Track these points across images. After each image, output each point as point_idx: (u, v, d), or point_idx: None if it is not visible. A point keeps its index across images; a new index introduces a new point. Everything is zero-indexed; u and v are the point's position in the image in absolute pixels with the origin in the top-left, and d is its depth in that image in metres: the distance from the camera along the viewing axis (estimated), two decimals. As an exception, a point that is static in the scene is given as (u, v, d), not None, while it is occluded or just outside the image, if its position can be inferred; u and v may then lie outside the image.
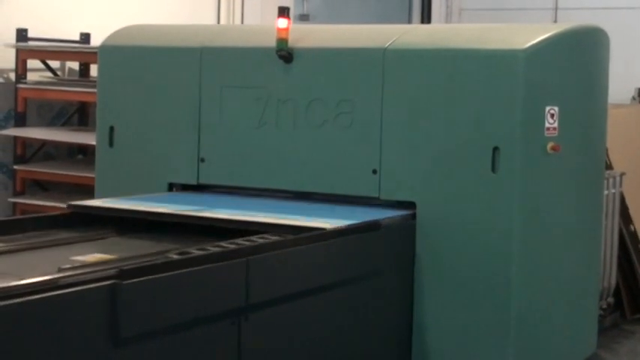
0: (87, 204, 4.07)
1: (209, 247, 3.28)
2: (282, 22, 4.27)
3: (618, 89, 5.80)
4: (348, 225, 3.76)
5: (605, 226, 5.03)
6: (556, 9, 9.26)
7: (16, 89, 6.21)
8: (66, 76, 6.62)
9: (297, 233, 3.56)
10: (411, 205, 4.09)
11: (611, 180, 5.45)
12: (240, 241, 3.42)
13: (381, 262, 3.90)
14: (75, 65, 6.63)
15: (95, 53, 4.89)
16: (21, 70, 6.23)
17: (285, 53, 4.30)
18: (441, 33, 4.34)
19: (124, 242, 3.69)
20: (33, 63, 6.36)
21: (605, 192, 5.02)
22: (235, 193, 4.48)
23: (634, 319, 5.62)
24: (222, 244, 3.34)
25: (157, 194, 4.44)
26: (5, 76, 6.31)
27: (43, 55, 6.38)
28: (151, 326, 2.85)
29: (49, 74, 6.47)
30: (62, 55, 6.43)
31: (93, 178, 4.83)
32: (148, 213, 3.91)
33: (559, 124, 4.05)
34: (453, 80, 4.04)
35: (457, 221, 4.01)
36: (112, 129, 4.70)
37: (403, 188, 4.12)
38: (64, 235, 3.74)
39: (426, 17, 10.05)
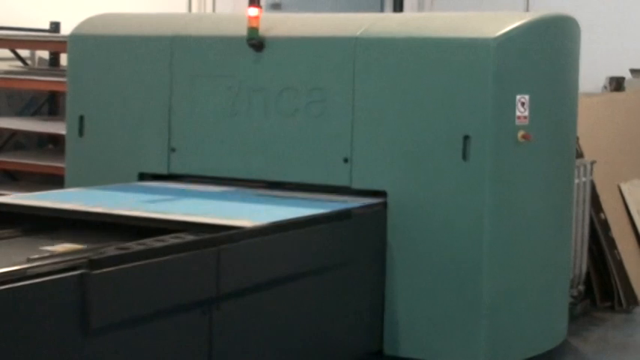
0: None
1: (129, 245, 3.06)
2: (253, 11, 4.26)
3: (589, 78, 5.83)
4: (318, 214, 3.76)
5: (575, 214, 5.05)
6: (528, -2, 9.28)
7: (-15, 79, 6.16)
8: (36, 66, 6.57)
9: (214, 232, 3.34)
10: (382, 193, 4.10)
11: (581, 168, 5.47)
12: (149, 241, 3.16)
13: (353, 251, 3.91)
14: (45, 54, 6.59)
15: (65, 42, 4.86)
16: (-10, 60, 6.18)
17: (256, 42, 4.29)
18: (413, 21, 4.35)
19: (28, 242, 3.43)
20: (2, 52, 6.31)
21: (576, 180, 5.04)
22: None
23: (604, 307, 5.66)
24: (129, 244, 3.09)
25: (85, 189, 4.29)
26: (-26, 65, 6.26)
27: (12, 44, 6.32)
28: (121, 316, 2.84)
29: (19, 63, 6.42)
30: (32, 44, 6.38)
31: (63, 168, 4.81)
32: (56, 211, 3.67)
33: (530, 112, 4.06)
34: (424, 69, 4.05)
35: (428, 209, 4.02)
36: (82, 118, 4.68)
37: (374, 177, 4.12)
38: None
39: (398, 6, 10.04)
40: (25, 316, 2.56)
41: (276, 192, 4.29)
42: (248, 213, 3.73)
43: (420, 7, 9.86)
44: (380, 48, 4.13)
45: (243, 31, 4.30)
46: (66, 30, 6.10)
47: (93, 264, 2.75)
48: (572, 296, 5.29)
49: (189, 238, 3.24)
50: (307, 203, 3.98)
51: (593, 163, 5.61)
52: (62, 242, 3.36)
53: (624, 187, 6.17)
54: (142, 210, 3.66)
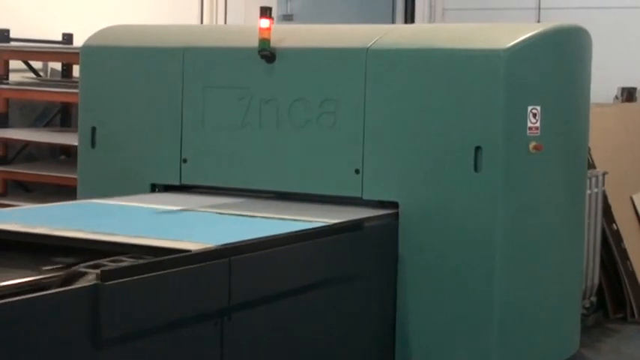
0: None
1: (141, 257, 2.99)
2: (265, 22, 4.26)
3: (601, 88, 5.82)
4: (331, 225, 3.76)
5: (587, 225, 5.04)
6: (539, 8, 9.29)
7: (-2, 90, 6.19)
8: (48, 77, 6.60)
9: (156, 255, 3.09)
10: (393, 204, 4.09)
11: (593, 179, 5.47)
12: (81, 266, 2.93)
13: (364, 262, 3.90)
14: (57, 66, 6.61)
15: (78, 54, 4.87)
16: (3, 71, 6.19)
17: (267, 53, 4.29)
18: (424, 33, 4.35)
19: None
20: (15, 64, 6.33)
21: (588, 191, 5.04)
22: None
23: (617, 318, 5.64)
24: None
25: (32, 206, 4.18)
26: (-13, 76, 6.28)
27: (25, 55, 6.35)
28: (132, 327, 2.84)
29: (32, 75, 6.44)
30: (44, 55, 6.40)
31: (75, 179, 4.82)
32: None
33: (541, 123, 4.05)
34: (435, 80, 4.04)
35: (440, 221, 4.01)
36: (94, 130, 4.69)
37: (386, 188, 4.12)
38: None
39: (409, 17, 10.06)
40: (36, 327, 2.56)
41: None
42: (202, 234, 3.48)
43: (431, 18, 9.87)
44: (391, 59, 4.13)
45: (254, 43, 4.30)
46: (78, 42, 6.12)
47: (105, 275, 2.75)
48: (585, 307, 5.28)
49: (128, 261, 3.02)
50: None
51: (605, 173, 5.60)
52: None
53: (636, 198, 6.15)
54: (82, 230, 3.38)
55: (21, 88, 6.20)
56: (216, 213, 3.97)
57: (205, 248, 3.17)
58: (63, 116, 6.60)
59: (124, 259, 3.07)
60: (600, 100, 6.75)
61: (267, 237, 3.48)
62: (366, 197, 4.16)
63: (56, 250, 3.27)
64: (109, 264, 2.96)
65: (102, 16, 6.41)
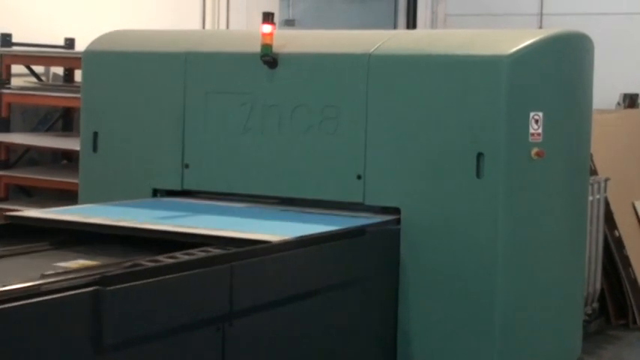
0: (25, 215, 3.91)
1: (143, 262, 3.12)
2: (267, 28, 4.26)
3: (603, 95, 5.82)
4: (333, 230, 3.76)
5: (589, 231, 5.04)
6: (541, 14, 9.30)
7: (0, 94, 6.19)
8: (50, 82, 6.60)
9: (239, 246, 3.38)
10: (395, 210, 4.09)
11: (595, 185, 5.47)
12: (178, 254, 3.24)
13: (366, 268, 3.90)
14: (59, 70, 6.62)
15: (80, 58, 4.87)
16: (5, 75, 6.21)
17: (269, 59, 4.29)
18: (426, 39, 4.35)
19: (57, 255, 3.48)
20: (17, 68, 6.34)
21: (590, 197, 5.04)
22: (219, 199, 4.47)
23: (618, 325, 5.64)
24: (159, 257, 3.20)
25: (109, 204, 4.32)
26: (-11, 81, 6.29)
27: (27, 60, 6.36)
28: (133, 333, 2.84)
29: (34, 79, 6.45)
30: (46, 60, 6.42)
31: (77, 184, 4.82)
32: (84, 225, 3.74)
33: (543, 129, 4.05)
34: (437, 86, 4.04)
35: (442, 227, 4.01)
36: (95, 134, 4.68)
37: (388, 194, 4.11)
38: None
39: (411, 23, 10.07)
40: (38, 332, 2.56)
41: (289, 208, 4.28)
42: (271, 228, 3.75)
43: (433, 24, 9.88)
44: (393, 65, 4.13)
45: (256, 48, 4.30)
46: (80, 46, 6.14)
47: (106, 281, 2.75)
48: (587, 314, 5.28)
49: (215, 251, 3.30)
50: (321, 220, 3.96)
51: (607, 180, 5.60)
52: (91, 255, 3.43)
53: (638, 205, 6.15)
54: (168, 224, 3.72)
55: (23, 92, 6.21)
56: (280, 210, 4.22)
57: (284, 240, 3.50)
58: (65, 121, 6.61)
59: (210, 249, 3.32)
60: (602, 106, 6.75)
61: (268, 243, 3.49)
62: (368, 203, 4.16)
63: (141, 243, 3.58)
64: (181, 256, 3.16)
65: (104, 20, 6.42)
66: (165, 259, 3.15)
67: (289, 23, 9.99)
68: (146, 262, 3.12)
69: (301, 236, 3.63)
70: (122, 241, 3.68)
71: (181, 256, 3.18)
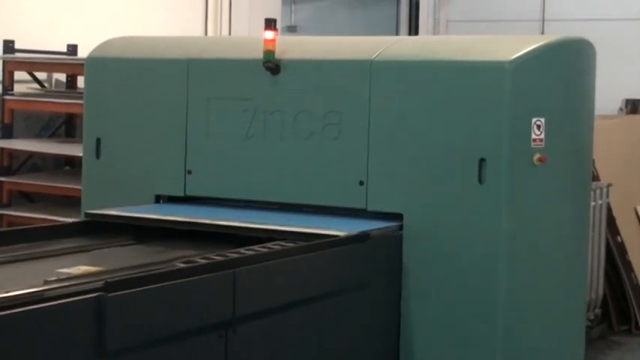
0: (105, 212, 4.19)
1: (228, 253, 3.39)
2: (269, 34, 4.27)
3: (605, 100, 5.83)
4: (336, 236, 3.76)
5: (592, 237, 5.04)
6: (543, 20, 9.31)
7: (3, 101, 6.21)
8: (53, 88, 6.61)
9: (310, 240, 3.69)
10: (398, 216, 4.09)
11: (598, 191, 5.47)
12: (257, 247, 3.55)
13: (369, 274, 3.90)
14: (62, 77, 6.63)
15: (82, 65, 4.88)
16: (8, 82, 6.22)
17: (272, 65, 4.30)
18: (428, 45, 4.35)
19: (142, 249, 3.83)
20: (20, 74, 6.35)
21: (592, 203, 5.04)
22: (221, 204, 4.47)
23: (621, 331, 5.63)
24: (241, 250, 3.52)
25: (165, 204, 4.51)
26: (-8, 87, 6.30)
27: (30, 66, 6.37)
28: (137, 339, 2.84)
29: (36, 86, 6.46)
30: (49, 66, 6.43)
31: (80, 190, 4.82)
32: (164, 221, 4.05)
33: (546, 135, 4.05)
34: (439, 92, 4.05)
35: (444, 233, 4.01)
36: (98, 141, 4.69)
37: (390, 200, 4.12)
38: (83, 242, 3.86)
39: (413, 29, 10.09)
40: (41, 338, 2.56)
41: (292, 214, 4.29)
42: (330, 224, 3.95)
43: (435, 30, 9.89)
44: (395, 71, 4.13)
45: (259, 54, 4.31)
46: (83, 53, 6.15)
47: (109, 287, 2.75)
48: (589, 320, 5.28)
49: (285, 245, 3.60)
50: (322, 226, 3.95)
51: (609, 185, 5.60)
52: (177, 249, 3.74)
53: (641, 210, 6.15)
54: (242, 221, 3.98)
55: (26, 99, 6.23)
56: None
57: (349, 234, 3.77)
58: (67, 127, 6.62)
59: (283, 243, 3.63)
60: (604, 112, 6.76)
61: (270, 249, 3.49)
62: (370, 209, 4.16)
63: (214, 238, 3.86)
64: (260, 249, 3.44)
65: (106, 27, 6.43)
66: (246, 252, 3.45)
67: (292, 29, 10.01)
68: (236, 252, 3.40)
69: (304, 242, 3.63)
70: (193, 237, 3.96)
71: (260, 249, 3.50)
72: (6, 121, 6.21)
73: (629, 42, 8.81)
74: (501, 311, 3.94)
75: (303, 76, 4.31)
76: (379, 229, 4.02)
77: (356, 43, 4.47)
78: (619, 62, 8.46)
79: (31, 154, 6.34)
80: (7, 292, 2.65)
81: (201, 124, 4.49)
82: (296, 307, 3.49)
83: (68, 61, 6.35)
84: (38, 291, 2.71)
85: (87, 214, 4.20)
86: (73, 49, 6.59)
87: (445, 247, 4.01)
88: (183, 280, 3.01)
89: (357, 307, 3.85)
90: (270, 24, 4.27)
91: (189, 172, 4.50)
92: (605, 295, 5.62)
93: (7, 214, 6.13)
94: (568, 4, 9.26)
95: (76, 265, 3.30)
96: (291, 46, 4.41)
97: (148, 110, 4.62)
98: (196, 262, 3.25)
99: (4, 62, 6.22)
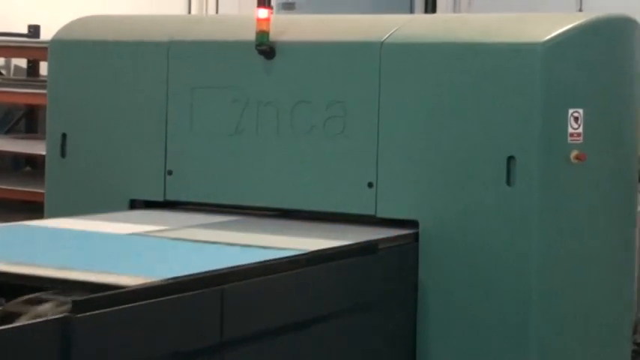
0: None
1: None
2: (263, 12, 4.28)
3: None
4: (339, 247, 3.75)
5: (638, 247, 5.03)
6: (581, -5, 9.30)
7: (-46, 91, 6.21)
8: (12, 76, 6.62)
9: (83, 291, 3.05)
10: (413, 223, 4.10)
11: (645, 194, 5.45)
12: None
13: (378, 291, 3.90)
14: (22, 63, 6.63)
15: (45, 49, 4.89)
16: (-41, 69, 6.22)
17: (266, 48, 4.30)
18: (447, 24, 4.36)
19: None
20: (-27, 60, 6.36)
21: (639, 208, 5.02)
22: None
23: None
24: None
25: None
26: (-59, 75, 6.30)
27: (-16, 51, 6.37)
28: (108, 367, 2.84)
29: (-8, 73, 6.47)
30: (7, 50, 6.43)
31: (42, 194, 4.83)
32: None
33: (584, 129, 4.06)
34: (460, 79, 4.05)
35: (466, 243, 4.01)
36: (64, 137, 4.70)
37: (404, 204, 4.12)
38: None
39: (430, 6, 10.08)
40: (-2, 366, 2.56)
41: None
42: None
43: (455, 7, 9.89)
44: (409, 55, 4.14)
45: (251, 36, 4.32)
46: (46, 35, 6.15)
47: (77, 307, 2.74)
48: (635, 343, 5.27)
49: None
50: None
51: (658, 187, 5.58)
52: None
53: (695, 216, 6.13)
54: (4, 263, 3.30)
55: (-21, 88, 6.23)
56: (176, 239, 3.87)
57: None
58: (28, 121, 6.63)
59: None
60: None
61: (265, 261, 3.48)
62: (380, 215, 4.17)
63: None
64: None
65: (74, 5, 6.43)
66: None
67: (288, 7, 10.00)
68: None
69: (303, 254, 3.63)
70: None
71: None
72: (-43, 114, 6.22)
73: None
74: (534, 333, 3.95)
75: (301, 60, 4.32)
76: (390, 238, 4.02)
77: (363, 22, 4.48)
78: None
79: (-15, 153, 6.35)
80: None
81: (183, 116, 4.49)
82: (293, 330, 3.48)
83: (29, 45, 6.36)
84: (-6, 312, 2.70)
85: None
86: (34, 30, 6.60)
87: (468, 260, 4.01)
88: (162, 298, 3.00)
89: (364, 331, 3.84)
90: (263, 1, 4.28)
91: (170, 173, 4.51)
92: (654, 315, 5.62)
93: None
94: (610, -24, 9.26)
95: None
96: (288, 27, 4.42)
97: (121, 101, 4.63)
98: (179, 277, 3.23)
99: (-45, 46, 6.24)
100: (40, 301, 2.92)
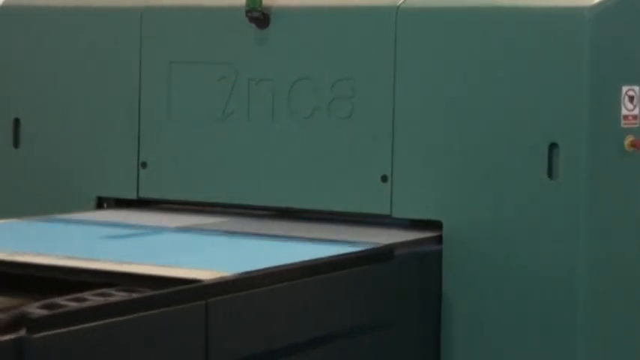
0: None
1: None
2: (255, -27, 4.28)
3: None
4: (350, 253, 3.74)
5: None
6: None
7: None
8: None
9: (153, 286, 3.22)
10: (435, 225, 4.10)
11: None
12: (62, 300, 3.04)
13: (395, 304, 3.90)
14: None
15: (-8, 18, 4.88)
16: None
17: (258, 15, 4.31)
18: (476, -14, 4.35)
19: None
20: None
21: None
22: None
23: None
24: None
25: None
26: None
27: None
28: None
29: None
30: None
31: (-9, 192, 4.83)
32: None
33: (641, 110, 4.05)
34: (491, 51, 4.04)
35: (499, 246, 4.01)
36: (17, 122, 4.73)
37: (424, 202, 4.12)
38: None
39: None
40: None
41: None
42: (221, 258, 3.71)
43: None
44: (430, 22, 4.13)
45: (240, 1, 4.31)
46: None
47: (34, 325, 2.72)
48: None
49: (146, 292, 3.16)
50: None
51: None
52: None
53: None
54: (55, 256, 3.48)
55: None
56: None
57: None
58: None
59: (111, 292, 3.16)
60: None
61: (259, 271, 3.46)
62: (396, 214, 4.17)
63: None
64: (69, 303, 2.99)
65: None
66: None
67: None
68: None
69: (302, 262, 3.60)
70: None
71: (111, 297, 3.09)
72: None
73: None
74: (581, 350, 3.94)
75: (301, 29, 4.32)
76: (409, 242, 4.01)
77: (375, -16, 4.47)
78: None
79: None
80: None
81: (160, 98, 4.51)
82: (295, 350, 3.47)
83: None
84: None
85: None
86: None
87: (500, 266, 4.02)
88: (137, 314, 2.98)
89: (378, 351, 3.85)
90: (255, -42, 4.29)
91: (144, 166, 4.53)
92: None
93: None
94: None
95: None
96: (285, -11, 4.41)
97: (85, 80, 4.65)
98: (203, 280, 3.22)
99: None
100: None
